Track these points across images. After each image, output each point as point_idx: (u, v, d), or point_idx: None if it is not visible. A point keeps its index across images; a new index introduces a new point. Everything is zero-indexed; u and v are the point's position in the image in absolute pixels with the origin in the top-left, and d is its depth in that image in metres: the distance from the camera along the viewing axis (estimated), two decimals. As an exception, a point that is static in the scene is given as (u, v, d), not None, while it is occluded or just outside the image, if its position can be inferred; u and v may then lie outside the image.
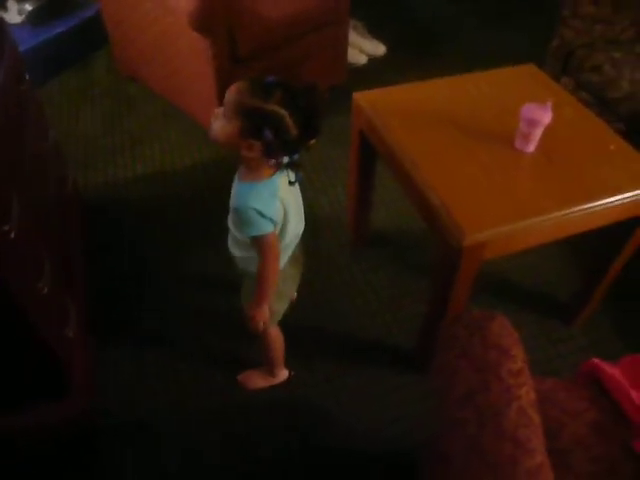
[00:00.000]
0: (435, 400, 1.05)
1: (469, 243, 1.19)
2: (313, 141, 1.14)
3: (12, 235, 1.14)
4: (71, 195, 1.84)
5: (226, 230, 1.31)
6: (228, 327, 1.69)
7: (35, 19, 2.65)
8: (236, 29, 2.03)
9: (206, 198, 2.14)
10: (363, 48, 2.86)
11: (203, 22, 1.94)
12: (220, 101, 2.08)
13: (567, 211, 1.28)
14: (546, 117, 1.35)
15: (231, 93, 1.12)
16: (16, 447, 1.41)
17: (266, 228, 1.16)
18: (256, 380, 1.58)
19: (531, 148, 1.40)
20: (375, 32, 2.95)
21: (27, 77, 1.55)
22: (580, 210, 1.29)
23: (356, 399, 1.58)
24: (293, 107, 1.07)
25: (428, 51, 2.90)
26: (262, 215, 1.14)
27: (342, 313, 1.78)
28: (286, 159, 1.16)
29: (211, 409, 1.55)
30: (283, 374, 1.60)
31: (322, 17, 2.32)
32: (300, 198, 1.32)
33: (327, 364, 1.65)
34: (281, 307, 1.39)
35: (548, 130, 1.38)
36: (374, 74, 2.78)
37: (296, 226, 1.31)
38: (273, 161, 1.14)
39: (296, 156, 1.18)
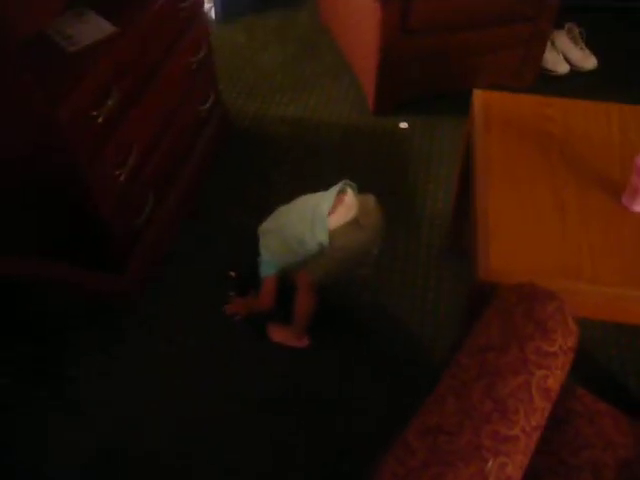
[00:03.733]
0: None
1: (486, 278, 1.06)
2: None
3: (99, 120, 1.32)
4: (210, 111, 2.01)
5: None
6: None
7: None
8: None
9: (331, 158, 2.18)
10: (569, 56, 2.54)
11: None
12: (379, 70, 2.05)
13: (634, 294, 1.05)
14: (665, 175, 1.10)
15: None
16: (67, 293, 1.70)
17: None
18: (280, 334, 1.63)
19: None
20: (592, 42, 2.60)
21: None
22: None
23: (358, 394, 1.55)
24: None
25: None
26: None
27: (394, 313, 1.72)
28: None
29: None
30: (305, 340, 1.61)
31: (519, 9, 2.13)
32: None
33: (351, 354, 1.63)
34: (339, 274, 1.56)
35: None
36: (569, 89, 2.46)
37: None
38: None
39: None
